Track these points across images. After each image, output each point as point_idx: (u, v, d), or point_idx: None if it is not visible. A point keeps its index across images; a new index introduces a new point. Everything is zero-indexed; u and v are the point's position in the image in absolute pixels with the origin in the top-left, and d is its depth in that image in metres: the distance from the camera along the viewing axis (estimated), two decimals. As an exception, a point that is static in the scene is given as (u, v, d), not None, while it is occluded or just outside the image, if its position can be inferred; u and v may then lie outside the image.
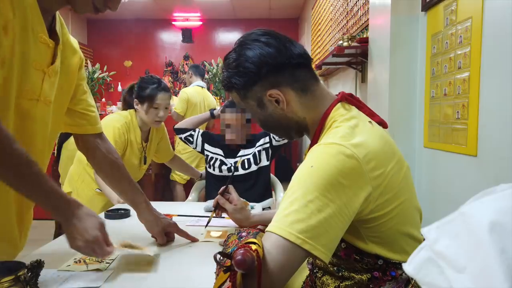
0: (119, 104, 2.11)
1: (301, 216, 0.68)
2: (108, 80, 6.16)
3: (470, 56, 1.25)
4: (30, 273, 0.76)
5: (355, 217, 0.73)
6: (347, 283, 0.81)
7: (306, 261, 0.91)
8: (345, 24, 3.07)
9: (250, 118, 2.05)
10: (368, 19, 2.14)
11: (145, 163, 2.08)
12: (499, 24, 1.11)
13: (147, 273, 0.99)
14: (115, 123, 1.91)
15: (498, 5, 1.12)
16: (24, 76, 0.86)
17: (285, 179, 1.38)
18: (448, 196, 1.42)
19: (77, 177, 2.01)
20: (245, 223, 1.25)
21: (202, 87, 3.84)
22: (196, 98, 3.67)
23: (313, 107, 0.87)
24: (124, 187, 1.24)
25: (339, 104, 0.85)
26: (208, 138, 2.20)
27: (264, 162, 2.11)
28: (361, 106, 0.89)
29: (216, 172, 2.12)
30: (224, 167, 2.10)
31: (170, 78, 6.68)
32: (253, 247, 0.67)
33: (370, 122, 0.84)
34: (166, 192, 3.97)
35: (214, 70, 5.86)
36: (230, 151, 2.13)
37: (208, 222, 1.34)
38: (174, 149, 2.37)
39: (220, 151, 2.15)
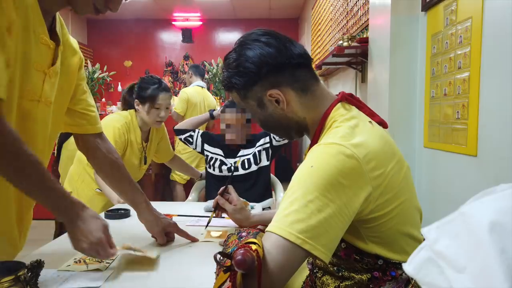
0: (119, 104, 2.11)
1: (301, 216, 0.68)
2: (108, 80, 6.17)
3: (470, 56, 1.25)
4: (30, 273, 0.76)
5: (355, 217, 0.73)
6: (347, 283, 0.81)
7: (306, 261, 0.91)
8: (345, 24, 3.07)
9: (250, 118, 2.05)
10: (368, 19, 2.14)
11: (145, 163, 2.08)
12: (499, 24, 1.11)
13: (147, 273, 0.99)
14: (115, 123, 1.91)
15: (498, 5, 1.12)
16: (25, 77, 0.86)
17: (285, 179, 1.38)
18: (448, 196, 1.42)
19: (77, 177, 2.01)
20: (245, 223, 1.25)
21: (202, 87, 3.84)
22: (196, 98, 3.67)
23: (313, 107, 0.87)
24: (124, 187, 1.24)
25: (339, 104, 0.85)
26: (207, 138, 2.21)
27: (264, 162, 2.11)
28: (361, 106, 0.89)
29: (216, 172, 2.12)
30: (224, 167, 2.10)
31: (170, 78, 6.68)
32: (253, 247, 0.67)
33: (370, 122, 0.84)
34: (166, 192, 3.97)
35: (214, 70, 5.86)
36: (230, 151, 2.13)
37: (208, 223, 1.34)
38: (174, 149, 2.37)
39: (220, 151, 2.15)
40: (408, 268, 0.42)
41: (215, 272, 0.87)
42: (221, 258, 0.69)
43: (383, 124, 0.89)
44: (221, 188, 1.30)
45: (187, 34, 6.70)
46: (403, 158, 0.85)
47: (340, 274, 0.83)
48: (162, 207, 1.37)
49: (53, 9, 0.93)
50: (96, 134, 1.19)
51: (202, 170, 2.44)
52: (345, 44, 2.25)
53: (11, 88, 0.82)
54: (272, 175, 2.27)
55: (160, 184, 4.03)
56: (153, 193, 3.81)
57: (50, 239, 1.47)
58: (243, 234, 0.87)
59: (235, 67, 0.86)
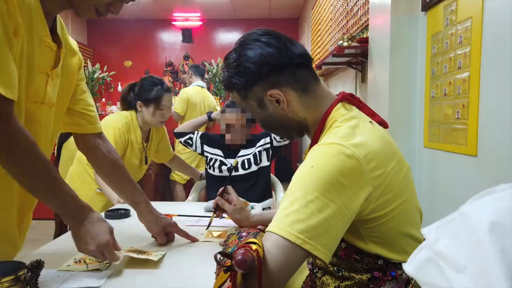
0: (119, 104, 2.11)
1: (301, 216, 0.68)
2: (108, 80, 6.17)
3: (470, 56, 1.25)
4: (30, 273, 0.76)
5: (355, 217, 0.73)
6: (347, 283, 0.81)
7: (306, 261, 0.91)
8: (345, 24, 3.07)
9: (254, 119, 2.05)
10: (368, 19, 2.14)
11: (145, 163, 2.08)
12: (499, 24, 1.11)
13: (147, 273, 0.99)
14: (116, 123, 1.91)
15: (498, 5, 1.12)
16: (29, 79, 0.87)
17: (285, 179, 1.39)
18: (448, 196, 1.42)
19: (77, 177, 2.01)
20: (245, 223, 1.25)
21: (202, 87, 3.84)
22: (196, 98, 3.67)
23: (314, 107, 0.87)
24: (124, 187, 1.24)
25: (339, 104, 0.85)
26: (207, 139, 2.21)
27: (265, 162, 2.11)
28: (362, 106, 0.89)
29: (216, 172, 2.12)
30: (224, 168, 2.10)
31: (170, 78, 6.68)
32: (254, 247, 0.67)
33: (370, 122, 0.84)
34: (166, 192, 3.97)
35: (214, 70, 5.86)
36: (230, 151, 2.13)
37: (209, 224, 1.34)
38: (174, 149, 2.38)
39: (219, 152, 2.15)
40: (408, 268, 0.42)
41: (215, 272, 0.87)
42: (221, 258, 0.69)
43: (383, 124, 0.89)
44: (220, 189, 1.30)
45: (187, 34, 6.70)
46: (404, 158, 0.85)
47: (340, 274, 0.83)
48: (162, 207, 1.37)
49: (55, 11, 0.93)
50: (96, 134, 1.19)
51: (202, 170, 2.44)
52: (345, 44, 2.25)
53: (19, 91, 0.83)
54: (272, 175, 2.28)
55: (160, 184, 4.03)
56: (153, 193, 3.81)
57: (50, 239, 1.48)
58: (243, 234, 0.87)
59: (236, 67, 0.86)
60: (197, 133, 2.24)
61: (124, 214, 1.53)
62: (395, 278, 0.79)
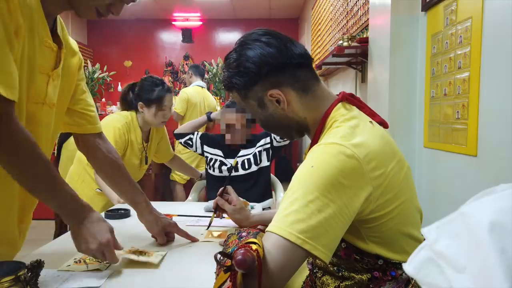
0: (119, 104, 2.11)
1: (301, 216, 0.68)
2: (108, 80, 6.17)
3: (470, 56, 1.25)
4: (30, 273, 0.76)
5: (355, 217, 0.73)
6: (347, 283, 0.81)
7: (306, 261, 0.91)
8: (345, 24, 3.08)
9: (254, 119, 2.05)
10: (368, 19, 2.14)
11: (146, 163, 2.08)
12: (499, 24, 1.11)
13: (147, 273, 0.99)
14: (116, 123, 1.91)
15: (498, 5, 1.12)
16: (30, 80, 0.87)
17: (285, 179, 1.39)
18: (448, 196, 1.42)
19: (77, 177, 2.01)
20: (245, 223, 1.25)
21: (202, 87, 3.84)
22: (196, 98, 3.67)
23: (314, 107, 0.87)
24: (124, 187, 1.24)
25: (339, 104, 0.85)
26: (207, 140, 2.21)
27: (265, 162, 2.11)
28: (362, 106, 0.88)
29: (216, 173, 2.12)
30: (224, 168, 2.10)
31: (170, 78, 6.68)
32: (254, 247, 0.67)
33: (370, 122, 0.84)
34: (166, 192, 3.96)
35: (214, 70, 5.86)
36: (230, 151, 2.13)
37: (209, 224, 1.34)
38: (174, 149, 2.38)
39: (219, 152, 2.15)
40: (408, 268, 0.42)
41: (215, 272, 0.87)
42: (222, 258, 0.69)
43: (383, 124, 0.89)
44: (220, 189, 1.30)
45: (187, 34, 6.70)
46: (404, 158, 0.85)
47: (340, 274, 0.83)
48: (162, 207, 1.37)
49: (55, 12, 0.94)
50: (96, 134, 1.19)
51: (202, 170, 2.44)
52: (345, 44, 2.25)
53: (20, 91, 0.83)
54: (272, 175, 2.28)
55: (160, 184, 4.03)
56: (153, 193, 3.81)
57: (50, 239, 1.48)
58: (243, 234, 0.87)
59: (236, 67, 0.86)
60: (197, 133, 2.24)
61: (124, 214, 1.53)
62: (395, 278, 0.79)
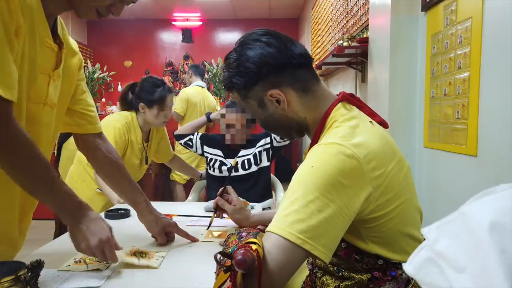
0: (119, 104, 2.11)
1: (301, 216, 0.68)
2: (108, 80, 6.17)
3: (470, 56, 1.25)
4: (30, 273, 0.76)
5: (355, 217, 0.73)
6: (347, 283, 0.81)
7: (306, 261, 0.91)
8: (345, 24, 3.08)
9: (254, 119, 2.05)
10: (368, 19, 2.14)
11: (146, 163, 2.08)
12: (499, 24, 1.11)
13: (147, 273, 0.99)
14: (116, 123, 1.91)
15: (498, 5, 1.12)
16: (31, 80, 0.88)
17: (285, 179, 1.39)
18: (448, 196, 1.42)
19: (77, 177, 2.01)
20: (245, 223, 1.25)
21: (202, 87, 3.84)
22: (196, 98, 3.67)
23: (314, 107, 0.87)
24: (124, 187, 1.24)
25: (340, 104, 0.85)
26: (206, 140, 2.21)
27: (265, 162, 2.11)
28: (362, 106, 0.88)
29: (216, 173, 2.12)
30: (224, 168, 2.10)
31: (170, 78, 6.68)
32: (254, 247, 0.67)
33: (370, 122, 0.84)
34: (166, 192, 3.97)
35: (214, 70, 5.86)
36: (230, 151, 2.13)
37: (209, 224, 1.34)
38: (174, 149, 2.38)
39: (219, 152, 2.15)
40: (408, 268, 0.42)
41: (215, 272, 0.87)
42: (221, 258, 0.69)
43: (383, 124, 0.89)
44: (220, 189, 1.30)
45: (187, 34, 6.70)
46: (404, 158, 0.85)
47: (340, 274, 0.83)
48: (162, 207, 1.37)
49: (56, 12, 0.94)
50: (96, 134, 1.19)
51: (202, 170, 2.44)
52: (345, 44, 2.25)
53: (20, 92, 0.83)
54: (272, 175, 2.28)
55: (160, 184, 4.03)
56: (153, 193, 3.81)
57: (50, 239, 1.47)
58: (243, 234, 0.87)
59: (236, 67, 0.86)
60: (197, 134, 2.24)
61: (124, 214, 1.53)
62: (395, 278, 0.79)
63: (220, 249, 1.00)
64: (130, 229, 1.33)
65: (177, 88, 6.46)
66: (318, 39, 4.36)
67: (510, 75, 1.06)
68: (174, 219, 1.34)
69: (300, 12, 6.35)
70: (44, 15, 0.87)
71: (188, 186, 3.45)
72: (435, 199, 1.51)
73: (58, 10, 0.93)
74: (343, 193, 0.70)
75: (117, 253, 0.96)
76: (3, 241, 0.95)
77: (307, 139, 0.95)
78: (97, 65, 5.97)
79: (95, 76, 5.72)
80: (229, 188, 1.31)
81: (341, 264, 0.83)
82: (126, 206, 1.51)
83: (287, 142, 2.18)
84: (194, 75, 3.91)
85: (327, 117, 0.84)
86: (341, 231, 0.71)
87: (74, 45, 1.08)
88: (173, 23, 6.66)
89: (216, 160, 2.13)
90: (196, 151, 2.22)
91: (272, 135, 2.10)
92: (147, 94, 1.93)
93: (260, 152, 2.10)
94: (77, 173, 2.02)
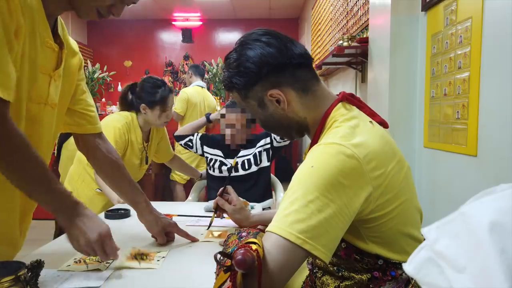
0: (118, 104, 2.11)
1: (301, 216, 0.68)
2: (108, 80, 6.17)
3: (470, 56, 1.25)
4: (30, 273, 0.76)
5: (355, 217, 0.73)
6: (347, 283, 0.81)
7: (306, 261, 0.91)
8: (345, 24, 3.08)
9: (254, 119, 2.05)
10: (368, 19, 2.14)
11: (146, 163, 2.08)
12: (499, 24, 1.11)
13: (147, 273, 0.99)
14: (116, 123, 1.90)
15: (498, 5, 1.12)
16: (32, 81, 0.87)
17: (285, 179, 1.39)
18: (448, 196, 1.42)
19: (77, 177, 2.00)
20: (245, 223, 1.25)
21: (202, 87, 3.84)
22: (196, 98, 3.67)
23: (314, 107, 0.87)
24: (124, 187, 1.24)
25: (340, 104, 0.85)
26: (206, 140, 2.21)
27: (265, 162, 2.11)
28: (362, 106, 0.88)
29: (216, 173, 2.12)
30: (224, 168, 2.10)
31: (170, 78, 6.68)
32: (254, 247, 0.67)
33: (370, 122, 0.84)
34: (166, 192, 3.97)
35: (214, 70, 5.86)
36: (230, 151, 2.13)
37: (210, 224, 1.34)
38: (174, 149, 2.38)
39: (219, 152, 2.15)
40: (408, 268, 0.42)
41: (215, 272, 0.87)
42: (221, 258, 0.69)
43: (383, 124, 0.88)
44: (220, 189, 1.30)
45: (187, 34, 6.70)
46: (404, 158, 0.85)
47: (340, 274, 0.83)
48: (162, 207, 1.37)
49: (56, 12, 0.94)
50: (96, 134, 1.19)
51: (202, 170, 2.44)
52: (345, 44, 2.25)
53: (20, 92, 0.83)
54: (272, 175, 2.28)
55: (160, 184, 4.04)
56: (153, 193, 3.81)
57: (50, 239, 1.47)
58: (243, 234, 0.87)
59: (236, 67, 0.86)
60: (197, 134, 2.25)
61: (124, 214, 1.52)
62: (395, 278, 0.79)
63: (220, 249, 1.00)
64: (130, 229, 1.33)
65: (177, 88, 6.46)
66: (318, 39, 4.36)
67: (510, 75, 1.06)
68: (174, 219, 1.34)
69: (300, 12, 6.35)
70: (45, 15, 0.87)
71: (188, 186, 3.45)
72: (435, 199, 1.51)
73: (58, 10, 0.93)
74: (343, 193, 0.70)
75: (118, 256, 0.96)
76: (4, 241, 0.95)
77: (307, 139, 0.95)
78: (97, 65, 5.97)
79: (95, 76, 5.72)
80: (229, 188, 1.31)
81: (341, 264, 0.83)
82: (126, 206, 1.51)
83: (287, 142, 2.18)
84: (194, 75, 3.91)
85: (327, 117, 0.84)
86: (341, 231, 0.71)
87: (74, 45, 1.08)
88: (173, 23, 6.66)
89: (216, 160, 2.13)
90: (196, 152, 2.23)
91: (272, 135, 2.10)
92: (148, 95, 1.92)
93: (260, 152, 2.10)
94: (77, 173, 2.01)
